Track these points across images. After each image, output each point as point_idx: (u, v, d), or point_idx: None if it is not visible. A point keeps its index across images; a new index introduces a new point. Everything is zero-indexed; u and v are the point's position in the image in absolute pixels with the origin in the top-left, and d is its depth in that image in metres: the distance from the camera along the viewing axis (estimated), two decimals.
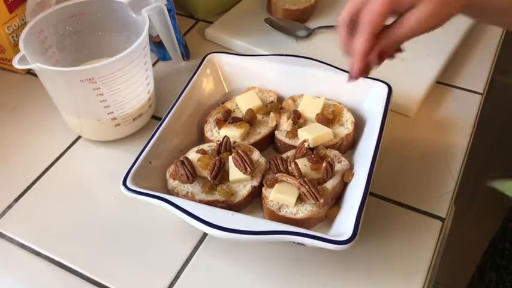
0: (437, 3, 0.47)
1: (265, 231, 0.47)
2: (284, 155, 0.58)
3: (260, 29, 0.81)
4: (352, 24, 0.50)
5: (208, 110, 0.65)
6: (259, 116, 0.63)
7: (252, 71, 0.66)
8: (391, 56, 0.55)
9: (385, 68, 0.72)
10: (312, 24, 0.82)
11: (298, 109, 0.63)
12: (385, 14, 0.47)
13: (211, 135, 0.61)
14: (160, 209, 0.51)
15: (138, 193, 0.51)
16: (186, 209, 0.49)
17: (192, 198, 0.54)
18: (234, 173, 0.55)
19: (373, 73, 0.62)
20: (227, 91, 0.68)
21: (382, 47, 0.50)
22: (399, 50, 0.54)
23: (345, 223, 0.49)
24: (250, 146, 0.59)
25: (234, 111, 0.64)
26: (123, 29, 0.68)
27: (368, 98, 0.62)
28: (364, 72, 0.52)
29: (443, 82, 0.74)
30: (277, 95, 0.66)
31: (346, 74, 0.53)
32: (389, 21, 0.50)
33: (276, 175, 0.54)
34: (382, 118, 0.57)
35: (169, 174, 0.56)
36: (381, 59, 0.52)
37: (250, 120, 0.62)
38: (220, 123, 0.61)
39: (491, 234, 0.79)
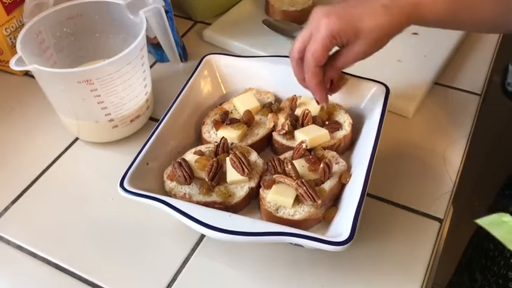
0: (373, 40, 0.53)
1: (262, 233, 0.47)
2: (282, 156, 0.58)
3: (258, 31, 0.81)
4: (302, 59, 0.56)
5: (206, 111, 0.65)
6: (256, 118, 0.63)
7: (250, 72, 0.66)
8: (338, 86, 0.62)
9: (383, 70, 0.73)
10: None
11: (297, 110, 0.63)
12: (324, 51, 0.53)
13: (209, 136, 0.61)
14: (157, 211, 0.51)
15: (136, 194, 0.51)
16: (183, 210, 0.49)
17: (189, 199, 0.54)
18: (232, 174, 0.55)
19: (371, 74, 0.63)
20: (225, 92, 0.68)
21: (330, 76, 0.58)
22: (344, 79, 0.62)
23: (342, 224, 0.49)
24: (248, 147, 0.59)
25: (231, 113, 0.64)
26: (120, 31, 0.68)
27: (366, 99, 0.62)
28: (327, 95, 0.59)
29: (441, 83, 0.74)
30: (275, 97, 0.66)
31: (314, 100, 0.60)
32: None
33: (274, 176, 0.54)
34: (380, 119, 0.57)
35: (167, 175, 0.56)
36: (332, 86, 0.60)
37: (248, 121, 0.61)
38: (217, 125, 0.61)
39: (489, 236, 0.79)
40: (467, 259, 0.82)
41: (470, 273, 0.79)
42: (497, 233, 0.39)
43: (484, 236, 0.78)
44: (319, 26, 0.52)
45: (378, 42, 0.54)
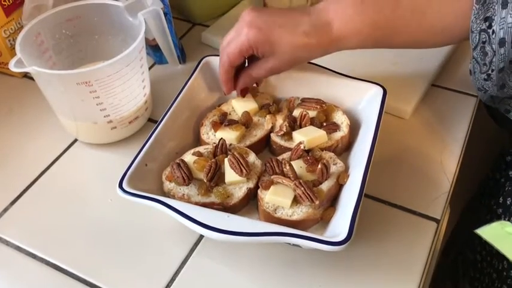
0: (286, 61, 0.57)
1: (260, 233, 0.47)
2: (280, 157, 0.58)
3: None
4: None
5: (204, 112, 0.65)
6: (255, 119, 0.63)
7: None
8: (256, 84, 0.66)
9: (380, 71, 0.73)
10: None
11: (295, 111, 0.63)
12: (238, 56, 0.57)
13: (207, 137, 0.61)
14: (156, 211, 0.51)
15: (134, 195, 0.51)
16: (182, 211, 0.49)
17: (188, 200, 0.54)
18: (230, 175, 0.55)
19: (369, 76, 0.63)
20: (223, 94, 0.68)
21: (245, 82, 0.61)
22: (257, 84, 0.66)
23: (340, 224, 0.49)
24: (246, 148, 0.59)
25: (230, 114, 0.64)
26: (119, 33, 0.68)
27: (363, 100, 0.63)
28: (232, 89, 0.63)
29: (438, 85, 0.74)
30: (273, 98, 0.66)
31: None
32: None
33: (272, 177, 0.55)
34: (377, 120, 0.57)
35: (165, 176, 0.56)
36: (246, 91, 0.64)
37: (246, 122, 0.62)
38: (216, 126, 0.61)
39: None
40: (451, 265, 0.82)
41: (455, 281, 0.79)
42: (505, 249, 0.37)
43: (465, 244, 0.78)
44: (241, 33, 0.56)
45: (291, 63, 0.57)
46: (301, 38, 0.54)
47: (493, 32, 0.51)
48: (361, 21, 0.55)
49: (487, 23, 0.51)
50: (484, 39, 0.52)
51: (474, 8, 0.51)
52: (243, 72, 0.61)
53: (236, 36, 0.56)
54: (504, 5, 0.50)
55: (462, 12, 0.53)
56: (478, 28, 0.52)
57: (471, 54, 0.55)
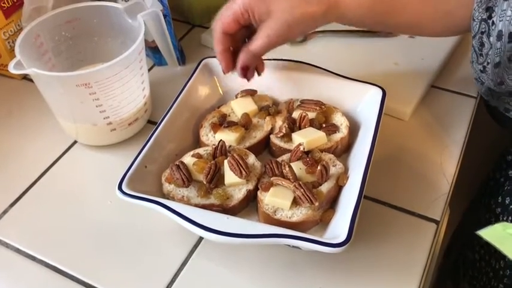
0: (284, 23, 0.53)
1: (260, 235, 0.47)
2: (279, 159, 0.58)
3: None
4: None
5: (203, 114, 0.65)
6: (254, 120, 0.63)
7: None
8: (258, 72, 0.62)
9: (380, 72, 0.73)
10: None
11: (294, 113, 0.63)
12: (232, 20, 0.55)
13: (207, 139, 0.61)
14: (155, 213, 0.51)
15: (134, 197, 0.51)
16: (181, 212, 0.49)
17: (187, 202, 0.54)
18: (230, 176, 0.55)
19: (367, 77, 0.63)
20: (222, 95, 0.68)
21: (244, 59, 0.58)
22: (258, 72, 0.62)
23: (339, 226, 0.49)
24: (246, 150, 0.59)
25: (229, 116, 0.64)
26: (118, 35, 0.68)
27: (363, 102, 0.63)
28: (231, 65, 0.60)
29: (438, 86, 0.74)
30: (273, 100, 0.66)
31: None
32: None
33: (271, 179, 0.55)
34: (377, 122, 0.57)
35: (165, 178, 0.56)
36: (246, 70, 0.59)
37: (246, 124, 0.62)
38: (215, 128, 0.61)
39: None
40: (453, 266, 0.82)
41: (456, 281, 0.79)
42: (507, 251, 0.37)
43: (465, 244, 0.78)
44: None
45: (289, 28, 0.54)
46: (299, 2, 0.53)
47: (493, 23, 0.50)
48: None
49: (488, 13, 0.51)
50: (483, 30, 0.52)
51: None
52: (242, 49, 0.58)
53: (232, 2, 0.55)
54: None
55: None
56: (480, 17, 0.52)
57: (471, 42, 0.55)
